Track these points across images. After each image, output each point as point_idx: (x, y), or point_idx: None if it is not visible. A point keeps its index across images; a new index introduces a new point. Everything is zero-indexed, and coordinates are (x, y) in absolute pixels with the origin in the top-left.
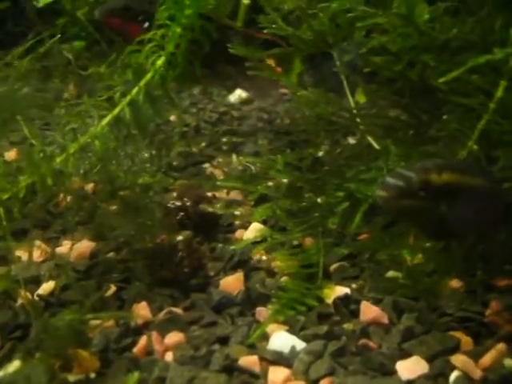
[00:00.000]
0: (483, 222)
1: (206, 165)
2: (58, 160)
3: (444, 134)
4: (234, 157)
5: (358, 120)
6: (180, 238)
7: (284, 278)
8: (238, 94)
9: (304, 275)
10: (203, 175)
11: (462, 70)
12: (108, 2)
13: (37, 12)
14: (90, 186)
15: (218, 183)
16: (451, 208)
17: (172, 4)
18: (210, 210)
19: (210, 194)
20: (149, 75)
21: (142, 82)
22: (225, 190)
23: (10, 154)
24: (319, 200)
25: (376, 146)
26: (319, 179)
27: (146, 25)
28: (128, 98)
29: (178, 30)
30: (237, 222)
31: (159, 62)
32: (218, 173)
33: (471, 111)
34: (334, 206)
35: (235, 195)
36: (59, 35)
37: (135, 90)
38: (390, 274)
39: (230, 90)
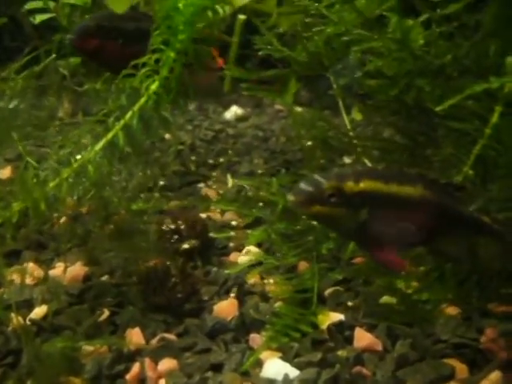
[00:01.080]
0: (407, 232)
1: (201, 184)
2: (52, 184)
3: (439, 158)
4: (229, 177)
5: (355, 141)
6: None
7: (278, 304)
8: (234, 111)
9: (298, 300)
10: (198, 195)
11: (458, 97)
12: (78, 25)
13: (34, 27)
14: (83, 209)
15: (212, 206)
16: (370, 216)
17: (166, 29)
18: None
19: (204, 216)
20: (143, 99)
21: (136, 107)
22: (219, 211)
23: (5, 172)
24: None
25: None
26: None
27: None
28: (122, 122)
29: (172, 54)
30: (231, 245)
31: (153, 87)
32: (213, 193)
33: (466, 136)
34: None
35: (230, 216)
36: (55, 54)
37: (129, 115)
38: (385, 298)
39: (226, 107)
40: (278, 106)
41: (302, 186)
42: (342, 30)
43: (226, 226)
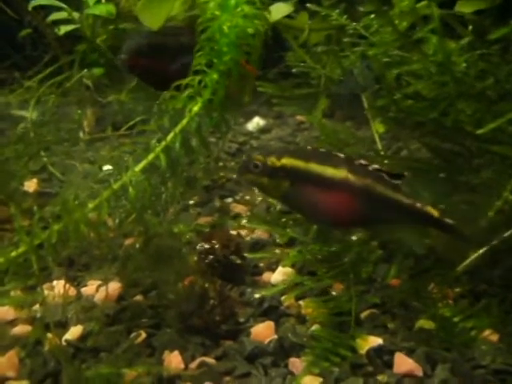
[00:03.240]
0: (323, 208)
1: (229, 199)
2: (91, 206)
3: (478, 181)
4: (256, 191)
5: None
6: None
7: (315, 327)
8: (256, 122)
9: (335, 323)
10: (227, 211)
11: (499, 121)
12: (128, 44)
13: (56, 38)
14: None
15: (244, 223)
16: (291, 188)
17: (209, 50)
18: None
19: (234, 233)
20: (185, 121)
21: (178, 128)
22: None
23: (31, 184)
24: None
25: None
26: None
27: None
28: (163, 143)
29: (216, 76)
30: (263, 264)
31: (196, 108)
32: (242, 208)
33: (506, 160)
34: (366, 253)
35: (260, 233)
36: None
37: (171, 136)
38: (421, 322)
39: (248, 117)
40: (299, 117)
41: (244, 158)
42: (381, 51)
43: (257, 244)
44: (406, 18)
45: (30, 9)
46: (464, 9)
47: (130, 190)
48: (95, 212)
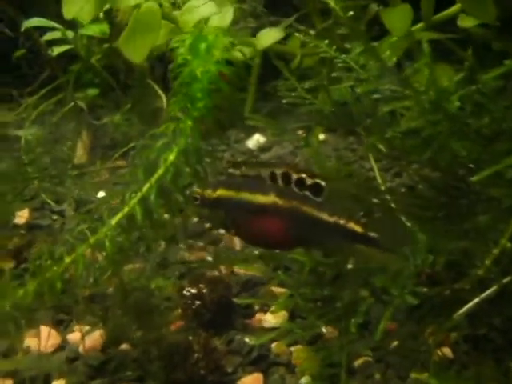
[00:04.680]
0: (258, 232)
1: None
2: (68, 260)
3: (474, 226)
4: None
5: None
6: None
7: (305, 379)
8: (257, 139)
9: (326, 374)
10: (220, 243)
11: (494, 168)
12: None
13: (52, 57)
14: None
15: (235, 269)
16: (228, 217)
17: (183, 96)
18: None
19: (226, 271)
20: (160, 171)
21: (154, 179)
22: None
23: (23, 215)
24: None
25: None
26: (342, 265)
27: None
28: (139, 195)
29: (190, 123)
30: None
31: (171, 157)
32: (236, 241)
33: (503, 205)
34: (358, 301)
35: (254, 271)
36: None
37: (146, 187)
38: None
39: (248, 134)
40: (300, 132)
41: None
42: (372, 88)
43: (249, 282)
44: (397, 50)
45: (22, 30)
46: (465, 23)
47: (107, 244)
48: (71, 267)
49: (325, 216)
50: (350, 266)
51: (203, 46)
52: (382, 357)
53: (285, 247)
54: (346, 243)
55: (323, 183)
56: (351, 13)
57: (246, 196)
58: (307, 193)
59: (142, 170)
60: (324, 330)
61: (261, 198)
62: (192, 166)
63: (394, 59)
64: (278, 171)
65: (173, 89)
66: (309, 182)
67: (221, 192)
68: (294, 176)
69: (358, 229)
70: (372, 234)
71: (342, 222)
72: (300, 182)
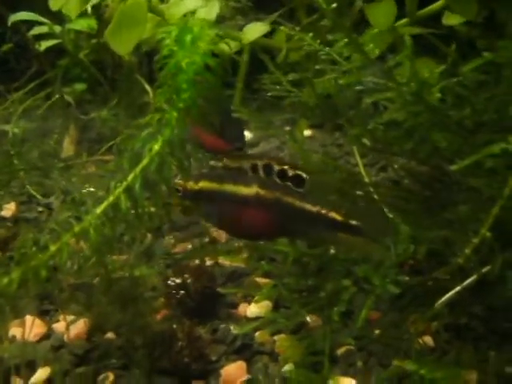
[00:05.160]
0: (241, 223)
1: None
2: (53, 249)
3: (455, 217)
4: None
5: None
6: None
7: (288, 366)
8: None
9: (309, 362)
10: (206, 236)
11: (474, 157)
12: None
13: (39, 52)
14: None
15: (220, 260)
16: (212, 208)
17: (168, 88)
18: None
19: (211, 263)
20: (145, 161)
21: (139, 168)
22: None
23: (10, 207)
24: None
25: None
26: (325, 256)
27: None
28: (124, 184)
29: (175, 114)
30: (240, 294)
31: (156, 147)
32: (222, 234)
33: (483, 195)
34: (341, 290)
35: (239, 262)
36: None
37: (131, 177)
38: (398, 361)
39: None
40: (287, 128)
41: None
42: (355, 80)
43: (234, 273)
44: (380, 43)
45: (9, 24)
46: (450, 21)
47: (91, 232)
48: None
49: (307, 206)
50: (333, 256)
51: (189, 37)
52: (364, 345)
53: (269, 238)
54: (328, 232)
55: (305, 174)
56: (334, 5)
57: (229, 188)
58: (289, 184)
59: (127, 160)
60: (308, 319)
61: (243, 190)
62: (177, 157)
63: (377, 52)
64: (260, 163)
65: (158, 80)
66: (290, 173)
67: (203, 184)
68: (276, 167)
69: (340, 218)
70: (353, 223)
71: (323, 211)
72: (282, 174)
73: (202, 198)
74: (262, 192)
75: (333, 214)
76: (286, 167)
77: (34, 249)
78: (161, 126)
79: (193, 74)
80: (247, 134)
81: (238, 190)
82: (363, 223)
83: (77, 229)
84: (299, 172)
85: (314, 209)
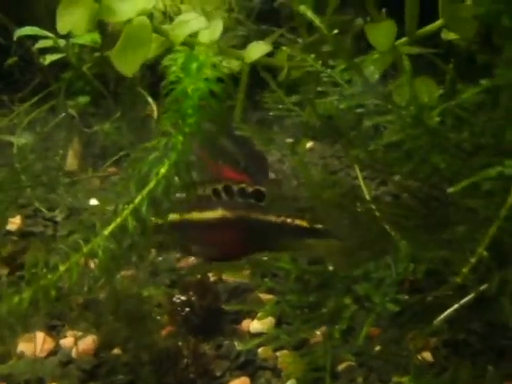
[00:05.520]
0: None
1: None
2: (62, 269)
3: (453, 237)
4: None
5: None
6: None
7: (291, 382)
8: None
9: (311, 378)
10: None
11: (472, 179)
12: None
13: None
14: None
15: (224, 276)
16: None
17: (174, 113)
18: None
19: (215, 278)
20: (152, 184)
21: (146, 191)
22: None
23: (15, 221)
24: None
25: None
26: (327, 273)
27: None
28: (131, 206)
29: (181, 138)
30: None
31: (163, 171)
32: None
33: (482, 215)
34: (342, 308)
35: (242, 278)
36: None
37: (138, 199)
38: (397, 377)
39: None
40: (289, 140)
41: None
42: (356, 103)
43: (237, 289)
44: (381, 64)
45: (14, 39)
46: (449, 36)
47: (100, 253)
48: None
49: (272, 218)
50: (333, 273)
51: (194, 65)
52: (364, 361)
53: (243, 256)
54: (296, 239)
55: (263, 188)
56: (336, 31)
57: (197, 216)
58: (251, 200)
59: (134, 183)
60: (313, 335)
61: (210, 215)
62: (182, 179)
63: (377, 76)
64: (219, 186)
65: (165, 105)
66: (250, 189)
67: (172, 217)
68: (235, 187)
69: (304, 224)
70: (318, 226)
71: (288, 221)
72: (242, 192)
73: (174, 230)
74: (227, 213)
75: (297, 222)
76: (243, 185)
77: (43, 269)
78: (167, 150)
79: (198, 100)
80: None
81: (205, 216)
82: (329, 225)
83: (85, 249)
84: (257, 187)
85: (279, 220)
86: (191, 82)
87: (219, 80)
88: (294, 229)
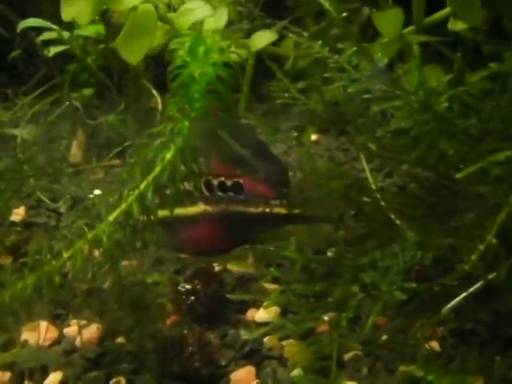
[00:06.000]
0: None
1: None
2: (66, 256)
3: (461, 224)
4: None
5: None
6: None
7: (297, 371)
8: None
9: (317, 367)
10: None
11: (479, 164)
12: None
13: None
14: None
15: (228, 266)
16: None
17: (181, 97)
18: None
19: (220, 268)
20: (158, 169)
21: (151, 177)
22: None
23: (19, 212)
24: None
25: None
26: (334, 261)
27: None
28: (136, 192)
29: (188, 123)
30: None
31: (168, 156)
32: None
33: (489, 202)
34: (348, 296)
35: (247, 267)
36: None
37: (144, 185)
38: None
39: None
40: (294, 133)
41: None
42: (364, 88)
43: (242, 279)
44: (388, 51)
45: (18, 31)
46: (456, 26)
47: (104, 240)
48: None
49: (251, 209)
50: (340, 262)
51: (202, 48)
52: (371, 350)
53: (228, 249)
54: (278, 227)
55: (241, 180)
56: (345, 14)
57: (178, 212)
58: (230, 193)
59: (140, 168)
60: (320, 323)
61: (192, 210)
62: (188, 165)
63: (386, 60)
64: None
65: (171, 90)
66: (229, 182)
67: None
68: (215, 181)
69: (284, 211)
70: (297, 212)
71: (267, 209)
72: (222, 185)
73: (166, 225)
74: (208, 208)
75: (277, 210)
76: (223, 178)
77: (47, 255)
78: (173, 136)
79: (205, 85)
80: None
81: (187, 212)
82: (308, 209)
83: (90, 236)
84: (236, 179)
85: (259, 210)
86: (198, 66)
87: (227, 65)
88: (273, 217)
